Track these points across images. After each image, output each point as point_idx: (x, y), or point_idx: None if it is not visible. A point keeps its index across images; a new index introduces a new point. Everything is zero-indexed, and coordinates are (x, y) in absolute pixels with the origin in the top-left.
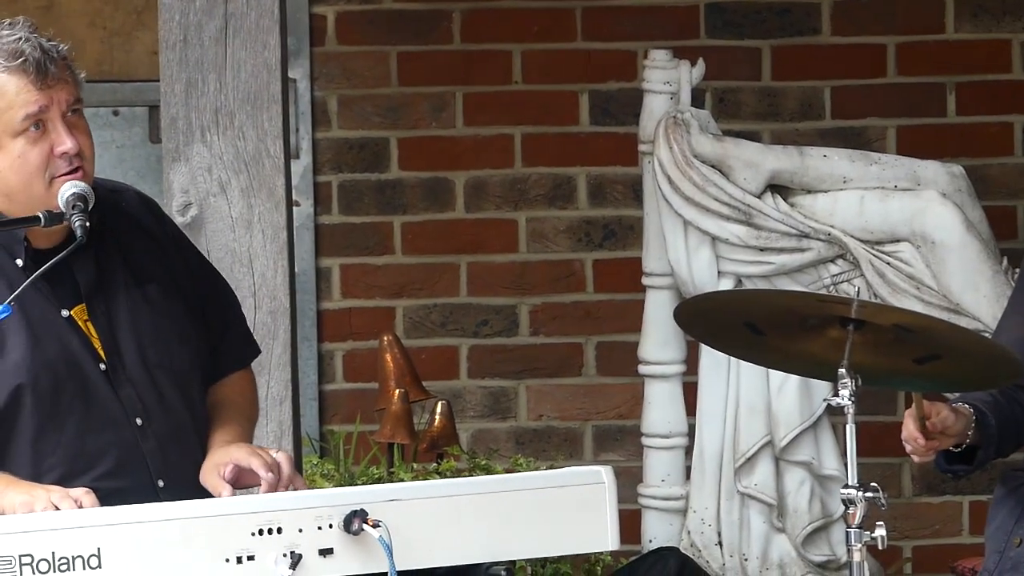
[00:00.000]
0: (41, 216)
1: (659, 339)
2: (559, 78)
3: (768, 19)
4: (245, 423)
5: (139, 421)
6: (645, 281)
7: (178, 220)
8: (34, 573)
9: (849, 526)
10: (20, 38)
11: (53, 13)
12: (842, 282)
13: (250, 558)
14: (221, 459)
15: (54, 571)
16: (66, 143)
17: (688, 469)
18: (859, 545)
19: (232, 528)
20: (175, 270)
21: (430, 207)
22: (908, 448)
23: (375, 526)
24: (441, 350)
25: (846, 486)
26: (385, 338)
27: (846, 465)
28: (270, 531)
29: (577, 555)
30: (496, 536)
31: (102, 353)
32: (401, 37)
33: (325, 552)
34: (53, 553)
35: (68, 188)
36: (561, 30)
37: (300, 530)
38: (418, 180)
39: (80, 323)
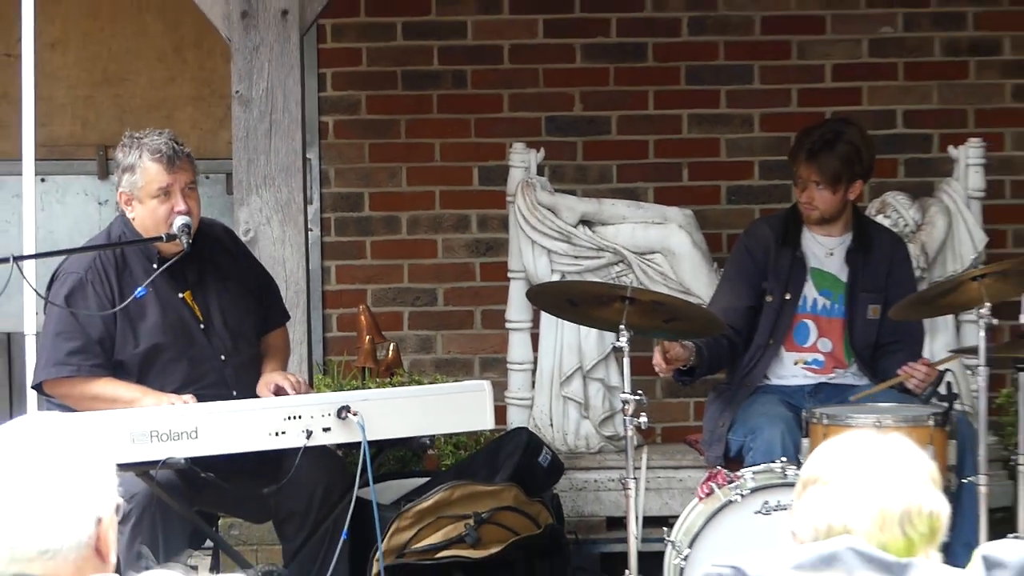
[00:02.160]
0: (163, 236)
1: (517, 308)
2: (461, 159)
3: (580, 124)
4: (282, 359)
5: (222, 357)
6: (510, 275)
7: (243, 240)
8: (160, 440)
9: (625, 416)
10: (163, 142)
11: (173, 121)
12: (622, 276)
13: (283, 432)
14: (268, 380)
15: (172, 439)
16: (180, 205)
17: (533, 383)
18: (631, 427)
19: (273, 416)
20: (242, 270)
21: (387, 232)
22: (656, 369)
23: (354, 414)
24: (393, 314)
25: (623, 392)
26: (361, 307)
27: (623, 380)
28: (294, 417)
29: (470, 431)
30: (424, 420)
31: (200, 318)
32: (371, 135)
33: (326, 429)
34: (170, 429)
35: (179, 220)
36: (463, 131)
37: (311, 417)
38: (380, 217)
39: (189, 301)
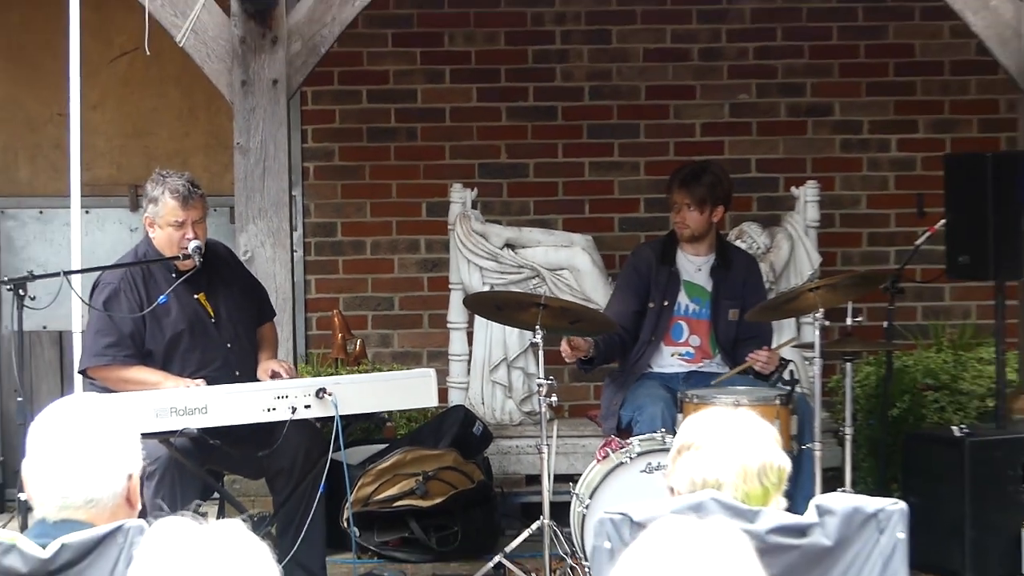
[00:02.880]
0: (180, 256)
1: (456, 312)
2: (413, 196)
3: (505, 169)
4: (273, 348)
5: (229, 345)
6: (450, 287)
7: (243, 259)
8: (177, 415)
9: (540, 396)
10: (182, 183)
11: (188, 166)
12: (538, 287)
13: (273, 408)
14: (265, 367)
15: (187, 414)
16: (189, 234)
17: (469, 370)
18: (545, 405)
19: (266, 396)
20: (240, 277)
21: (354, 253)
22: (564, 357)
23: (329, 395)
24: (360, 316)
25: (539, 378)
26: (334, 311)
27: (539, 368)
28: (282, 397)
29: (419, 408)
30: (383, 399)
31: (212, 314)
32: (342, 178)
33: (307, 406)
34: (185, 406)
35: (193, 243)
36: (414, 174)
37: (296, 396)
38: (350, 241)
39: (203, 301)
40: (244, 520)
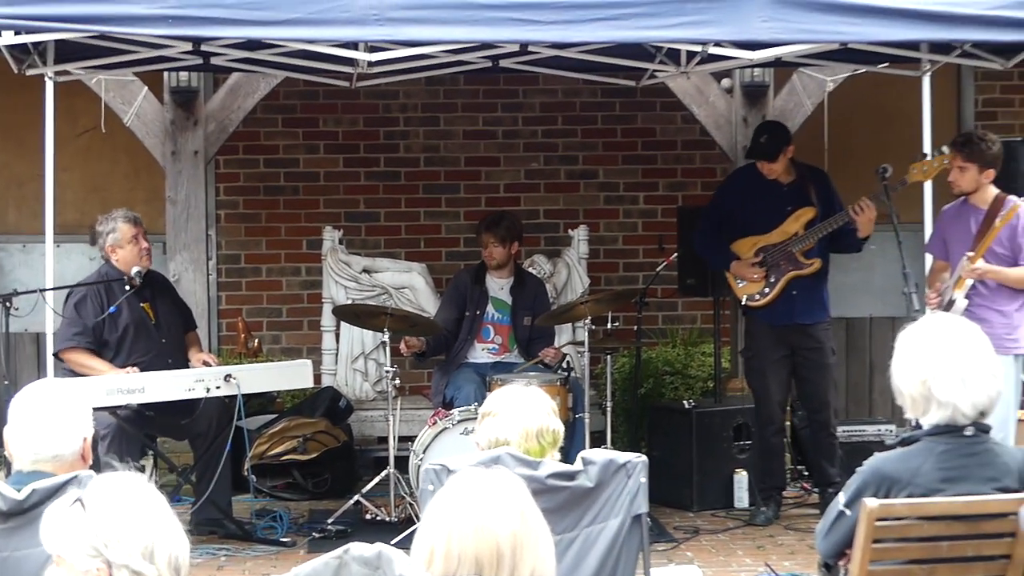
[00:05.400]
0: (126, 277)
1: (327, 319)
2: (297, 235)
3: (363, 216)
4: (199, 347)
5: (164, 341)
6: (323, 301)
7: (172, 280)
8: (122, 393)
9: (388, 379)
10: (123, 213)
11: (134, 211)
12: (387, 301)
13: (193, 389)
14: (198, 357)
15: (130, 393)
16: (144, 245)
17: (336, 361)
18: (391, 385)
19: (188, 379)
20: (174, 299)
21: (254, 276)
22: (403, 352)
23: (235, 379)
24: (258, 322)
25: (387, 367)
26: (239, 319)
27: (387, 359)
28: (200, 380)
29: (300, 388)
30: (274, 381)
31: (153, 319)
32: (246, 222)
33: (218, 387)
34: (129, 387)
35: (135, 269)
36: (298, 219)
37: (210, 379)
38: (250, 267)
39: (147, 309)
40: (177, 471)
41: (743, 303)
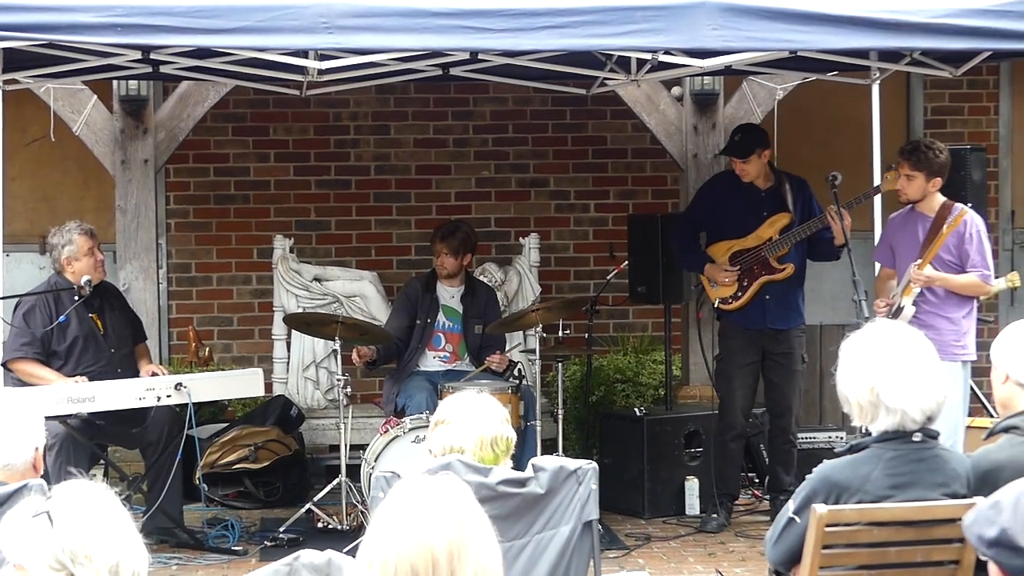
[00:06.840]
0: (76, 287)
1: (279, 327)
2: (247, 244)
3: (313, 224)
4: (149, 358)
5: (112, 351)
6: (275, 309)
7: (122, 289)
8: (73, 403)
9: (339, 388)
10: (77, 225)
11: (84, 221)
12: (338, 310)
13: (144, 397)
14: (147, 368)
15: (80, 402)
16: (99, 256)
17: (288, 369)
18: (343, 393)
19: (138, 387)
20: (123, 306)
21: (205, 285)
22: (354, 361)
23: (185, 387)
24: (209, 331)
25: (338, 375)
26: (190, 327)
27: (339, 367)
28: (151, 388)
29: (251, 397)
30: (225, 390)
31: (102, 329)
32: (196, 231)
33: (168, 396)
34: (79, 396)
35: (84, 279)
36: (249, 228)
37: (161, 388)
38: (201, 276)
39: (96, 320)
40: (127, 479)
41: (715, 306)
